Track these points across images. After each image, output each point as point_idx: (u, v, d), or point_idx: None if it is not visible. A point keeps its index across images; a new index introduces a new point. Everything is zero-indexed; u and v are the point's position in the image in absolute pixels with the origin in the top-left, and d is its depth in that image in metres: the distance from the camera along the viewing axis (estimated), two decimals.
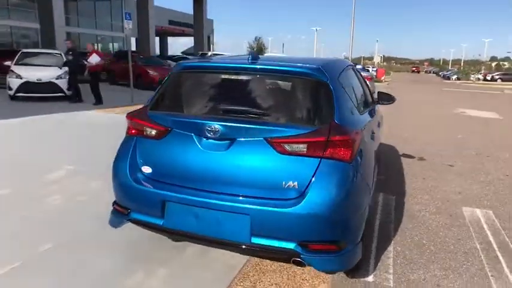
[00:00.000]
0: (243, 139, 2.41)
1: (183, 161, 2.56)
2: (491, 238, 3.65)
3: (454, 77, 55.31)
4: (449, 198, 4.72)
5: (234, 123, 2.45)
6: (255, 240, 2.36)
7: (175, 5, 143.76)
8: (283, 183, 2.36)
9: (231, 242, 2.44)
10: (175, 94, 2.91)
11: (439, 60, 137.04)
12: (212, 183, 2.48)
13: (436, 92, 25.57)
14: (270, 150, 2.38)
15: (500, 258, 3.27)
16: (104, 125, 8.65)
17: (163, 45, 54.12)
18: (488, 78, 52.88)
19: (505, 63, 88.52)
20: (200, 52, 31.78)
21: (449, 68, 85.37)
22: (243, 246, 2.40)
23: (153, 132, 2.66)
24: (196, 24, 38.03)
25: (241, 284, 2.76)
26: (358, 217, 2.48)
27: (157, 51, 37.90)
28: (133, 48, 35.71)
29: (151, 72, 17.54)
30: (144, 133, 2.72)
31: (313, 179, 2.32)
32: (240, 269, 2.93)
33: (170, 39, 57.85)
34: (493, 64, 79.34)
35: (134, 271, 2.84)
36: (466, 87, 33.29)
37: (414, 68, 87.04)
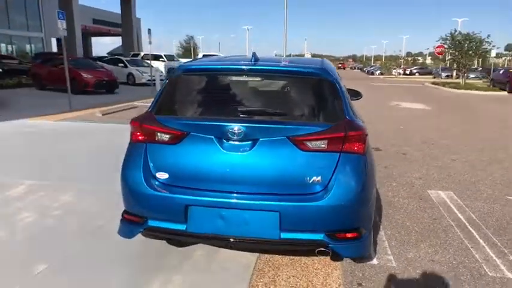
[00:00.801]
0: (266, 139, 2.47)
1: (204, 164, 2.54)
2: (460, 215, 4.10)
3: (378, 72, 59.40)
4: (414, 183, 5.18)
5: (257, 124, 2.50)
6: (284, 235, 2.43)
7: (98, 3, 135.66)
8: (308, 178, 2.47)
9: (261, 240, 2.49)
10: (182, 97, 2.86)
11: (362, 57, 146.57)
12: (237, 184, 2.51)
13: (367, 87, 27.35)
14: (292, 148, 2.47)
15: (473, 232, 3.71)
16: (46, 134, 8.02)
17: (87, 46, 50.97)
18: (408, 72, 57.90)
19: (419, 58, 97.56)
20: (132, 53, 30.51)
21: (372, 63, 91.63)
22: (273, 242, 2.46)
23: (168, 137, 2.60)
24: (125, 24, 36.47)
25: (261, 280, 2.81)
26: (372, 204, 2.68)
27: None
28: (55, 49, 33.14)
29: (85, 75, 16.50)
30: (156, 138, 2.64)
31: (335, 172, 2.46)
32: (254, 267, 2.98)
33: (93, 39, 54.78)
34: (409, 59, 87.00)
35: (148, 282, 2.75)
36: (391, 82, 36.09)
37: (340, 65, 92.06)
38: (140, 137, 2.70)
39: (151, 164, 2.63)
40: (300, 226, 2.44)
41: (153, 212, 2.59)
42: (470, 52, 24.68)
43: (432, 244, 3.44)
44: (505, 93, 22.58)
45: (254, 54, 2.94)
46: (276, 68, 2.81)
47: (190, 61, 3.24)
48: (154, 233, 2.66)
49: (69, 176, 5.14)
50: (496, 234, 3.66)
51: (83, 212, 3.95)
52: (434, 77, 46.13)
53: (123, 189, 2.71)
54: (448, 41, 26.00)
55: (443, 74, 41.77)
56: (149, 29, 17.74)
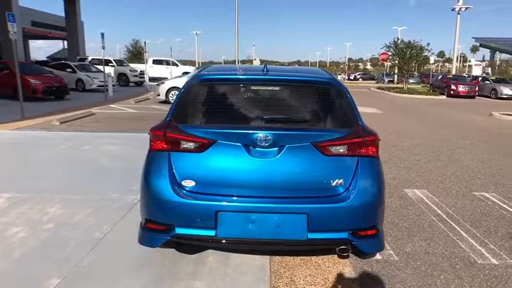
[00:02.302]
0: (292, 145, 2.61)
1: (232, 170, 2.62)
2: (439, 211, 4.51)
3: None
4: (390, 183, 5.57)
5: (284, 131, 2.65)
6: (312, 235, 2.58)
7: (38, 5, 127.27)
8: (331, 181, 2.65)
9: (289, 241, 2.61)
10: (201, 106, 2.90)
11: (307, 62, 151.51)
12: (265, 188, 2.62)
13: None
14: (316, 153, 2.63)
15: (454, 225, 4.10)
16: (4, 144, 7.51)
17: (26, 50, 47.74)
18: (352, 77, 60.96)
19: (360, 64, 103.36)
20: (78, 57, 29.10)
21: None
22: (301, 243, 2.60)
23: (194, 145, 2.65)
24: (69, 26, 34.64)
25: (280, 281, 2.93)
26: (384, 202, 2.90)
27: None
28: None
29: (33, 81, 15.46)
30: (181, 147, 2.67)
31: (355, 174, 2.66)
32: (269, 269, 3.08)
33: (31, 43, 51.52)
34: (351, 65, 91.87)
35: None
36: None
37: None
38: (163, 146, 2.72)
39: (176, 173, 2.66)
40: (327, 226, 2.60)
41: (181, 219, 2.62)
42: (412, 59, 26.60)
43: (423, 238, 3.77)
44: (444, 97, 24.63)
45: (265, 65, 3.08)
46: (292, 78, 2.98)
47: (200, 70, 3.29)
48: (182, 240, 2.68)
49: (49, 187, 4.89)
50: (473, 226, 4.08)
51: (77, 224, 3.81)
52: (377, 82, 49.03)
53: (146, 198, 2.71)
54: (391, 49, 27.79)
55: (386, 79, 44.68)
56: (102, 33, 17.09)
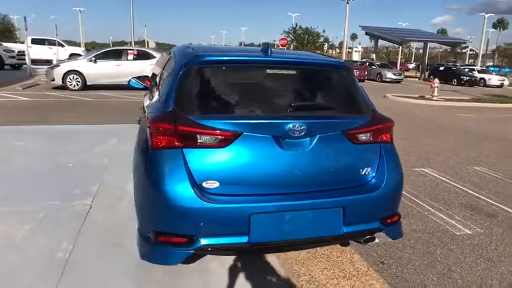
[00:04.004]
0: (323, 134, 2.40)
1: (262, 166, 2.30)
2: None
3: None
4: None
5: (316, 119, 2.41)
6: (347, 229, 2.43)
7: None
8: (361, 170, 2.52)
9: (324, 238, 2.44)
10: (213, 93, 2.46)
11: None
12: (299, 184, 2.37)
13: None
14: (346, 142, 2.47)
15: (418, 201, 4.40)
16: None
17: None
18: None
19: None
20: None
21: None
22: (336, 238, 2.45)
23: (215, 139, 2.24)
24: None
25: (301, 279, 2.74)
26: None
27: None
28: None
29: None
30: (198, 142, 2.24)
31: (380, 161, 2.58)
32: (282, 266, 2.87)
33: None
34: None
35: None
36: None
37: None
38: (175, 142, 2.25)
39: (194, 173, 2.23)
40: (361, 218, 2.48)
41: (207, 228, 2.21)
42: (310, 44, 28.14)
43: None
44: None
45: (269, 46, 2.76)
46: (309, 60, 2.73)
47: (193, 51, 2.79)
48: (207, 252, 2.29)
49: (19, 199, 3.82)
50: (433, 200, 4.43)
51: (24, 245, 3.03)
52: None
53: (155, 207, 2.23)
54: (291, 34, 28.97)
55: None
56: (25, 17, 14.78)
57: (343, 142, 2.47)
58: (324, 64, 2.78)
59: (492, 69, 41.53)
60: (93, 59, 13.87)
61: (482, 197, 4.60)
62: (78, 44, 53.74)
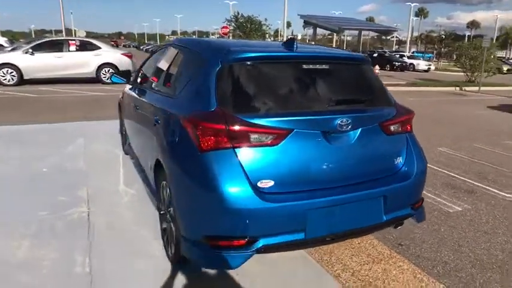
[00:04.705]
0: (365, 127, 2.46)
1: (312, 161, 2.31)
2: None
3: None
4: None
5: (359, 113, 2.47)
6: (386, 216, 2.54)
7: None
8: (395, 160, 2.64)
9: (368, 227, 2.52)
10: (254, 90, 2.37)
11: (131, 34, 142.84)
12: (347, 177, 2.42)
13: None
14: (381, 134, 2.57)
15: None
16: None
17: None
18: None
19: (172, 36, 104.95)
20: None
21: (146, 41, 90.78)
22: (377, 226, 2.55)
23: (267, 137, 2.19)
24: None
25: (336, 268, 2.81)
26: None
27: None
28: None
29: None
30: (251, 141, 2.18)
31: (407, 151, 2.72)
32: (312, 257, 2.93)
33: None
34: (175, 37, 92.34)
35: None
36: None
37: (113, 42, 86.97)
38: (227, 143, 2.17)
39: (249, 173, 2.17)
40: (398, 205, 2.59)
41: (267, 227, 2.18)
42: (252, 33, 28.11)
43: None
44: None
45: (295, 41, 2.73)
46: (338, 55, 2.76)
47: (228, 46, 2.67)
48: (266, 252, 2.25)
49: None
50: None
51: (31, 262, 2.75)
52: None
53: (215, 211, 2.14)
54: (233, 23, 28.69)
55: None
56: None
57: (379, 134, 2.56)
58: (350, 58, 2.83)
59: (417, 54, 44.93)
60: (30, 50, 12.63)
61: (456, 175, 5.03)
62: None
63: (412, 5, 47.18)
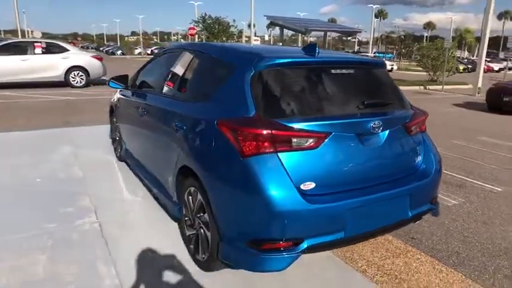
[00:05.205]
0: (392, 129, 2.59)
1: (349, 163, 2.41)
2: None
3: (119, 52, 57.94)
4: None
5: (388, 115, 2.60)
6: (411, 212, 2.68)
7: None
8: (415, 158, 2.80)
9: (397, 223, 2.65)
10: (289, 95, 2.42)
11: (87, 35, 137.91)
12: (378, 176, 2.54)
13: (133, 68, 26.73)
14: (404, 134, 2.72)
15: None
16: None
17: None
18: (149, 51, 59.73)
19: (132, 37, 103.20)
20: None
21: (106, 42, 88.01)
22: (404, 222, 2.70)
23: (308, 141, 2.26)
24: None
25: (360, 264, 2.93)
26: None
27: None
28: None
29: None
30: (292, 145, 2.24)
31: (425, 149, 2.89)
32: (335, 254, 3.03)
33: None
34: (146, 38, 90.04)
35: None
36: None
37: (72, 43, 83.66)
38: (270, 147, 2.21)
39: (293, 176, 2.23)
40: (420, 201, 2.74)
41: (312, 228, 2.25)
42: (221, 34, 28.01)
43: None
44: None
45: (316, 46, 2.81)
46: (360, 60, 2.90)
47: (257, 52, 2.70)
48: (309, 252, 2.32)
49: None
50: None
51: (57, 279, 2.66)
52: None
53: (262, 215, 2.18)
54: (200, 24, 28.44)
55: None
56: None
57: (403, 134, 2.71)
58: (373, 63, 2.97)
59: (378, 54, 46.60)
60: None
61: (445, 171, 5.29)
62: None
63: (374, 6, 49.08)
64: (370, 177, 2.52)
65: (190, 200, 2.82)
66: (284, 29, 35.35)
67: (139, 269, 2.79)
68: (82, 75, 13.33)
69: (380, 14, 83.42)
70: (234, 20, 29.03)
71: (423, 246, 3.26)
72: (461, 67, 34.37)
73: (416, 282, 2.74)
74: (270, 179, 2.18)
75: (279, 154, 2.23)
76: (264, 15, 30.34)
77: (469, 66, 36.39)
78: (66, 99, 10.96)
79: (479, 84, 16.73)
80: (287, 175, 2.21)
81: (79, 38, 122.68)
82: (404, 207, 2.63)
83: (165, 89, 3.38)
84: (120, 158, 5.15)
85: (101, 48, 71.40)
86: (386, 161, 2.60)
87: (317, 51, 2.72)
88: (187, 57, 3.24)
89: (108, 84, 4.52)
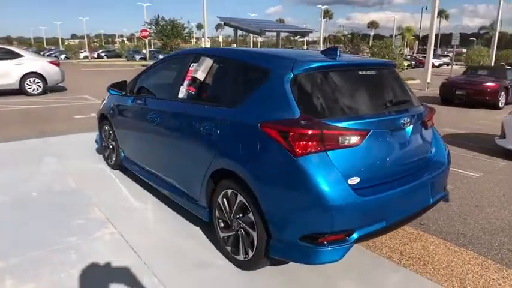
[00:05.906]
0: (416, 124, 2.85)
1: (386, 157, 2.63)
2: None
3: (63, 56, 54.95)
4: None
5: (414, 112, 2.85)
6: (432, 200, 2.96)
7: None
8: (431, 150, 3.10)
9: (422, 209, 2.91)
10: (327, 96, 2.58)
11: (21, 38, 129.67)
12: (409, 168, 2.79)
13: (84, 73, 25.57)
14: (423, 129, 3.00)
15: None
16: None
17: None
18: (95, 55, 57.18)
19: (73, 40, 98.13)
20: None
21: (46, 46, 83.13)
22: (427, 208, 2.96)
23: (352, 139, 2.44)
24: None
25: (384, 252, 3.16)
26: None
27: None
28: None
29: None
30: (339, 143, 2.41)
31: (437, 141, 3.21)
32: (360, 247, 3.24)
33: None
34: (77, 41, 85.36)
35: None
36: (98, 66, 34.85)
37: None
38: (320, 146, 2.36)
39: (341, 172, 2.40)
40: (438, 189, 3.03)
41: (361, 220, 2.43)
42: (176, 36, 27.62)
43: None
44: None
45: (336, 48, 2.99)
46: (378, 62, 3.16)
47: (292, 57, 2.82)
48: (358, 242, 2.49)
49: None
50: None
51: None
52: (128, 60, 48.26)
53: (319, 210, 2.32)
54: (153, 26, 27.86)
55: (138, 57, 44.78)
56: None
57: (422, 129, 2.98)
58: (390, 64, 3.22)
59: None
60: None
61: None
62: None
63: (323, 7, 50.80)
64: (402, 169, 2.75)
65: (226, 202, 2.88)
66: (242, 30, 35.74)
67: (180, 273, 2.81)
68: (39, 82, 12.61)
69: (326, 14, 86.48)
70: (188, 22, 28.75)
71: (432, 231, 3.56)
72: (405, 63, 36.62)
73: (439, 263, 3.01)
74: (324, 176, 2.33)
75: (328, 152, 2.38)
76: (218, 17, 30.40)
77: (413, 62, 38.80)
78: (26, 108, 10.31)
79: (429, 79, 17.99)
80: (338, 171, 2.37)
81: (14, 42, 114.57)
82: (427, 194, 2.90)
83: (184, 94, 3.39)
84: (113, 166, 5.03)
85: (42, 53, 66.95)
86: (412, 153, 2.85)
87: (338, 53, 2.90)
88: (208, 62, 3.29)
89: (108, 91, 4.41)
